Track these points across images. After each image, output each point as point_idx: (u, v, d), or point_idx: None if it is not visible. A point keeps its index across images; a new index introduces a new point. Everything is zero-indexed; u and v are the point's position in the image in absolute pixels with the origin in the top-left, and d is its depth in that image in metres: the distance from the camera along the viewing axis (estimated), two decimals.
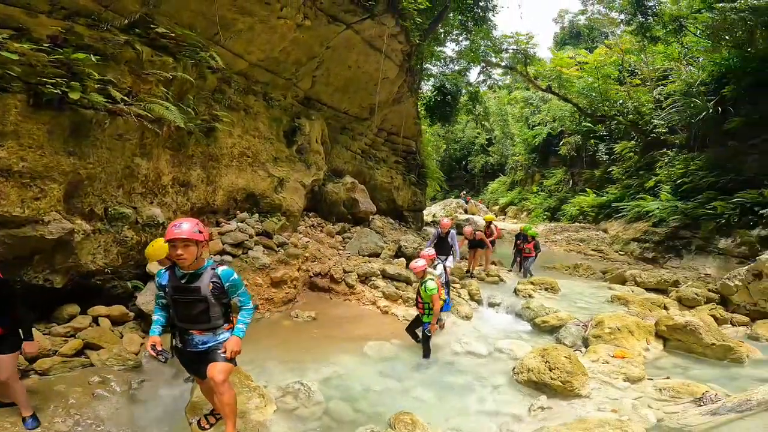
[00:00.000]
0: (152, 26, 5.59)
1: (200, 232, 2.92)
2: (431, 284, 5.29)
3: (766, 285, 7.08)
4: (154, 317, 3.12)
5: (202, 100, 6.80)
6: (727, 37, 12.52)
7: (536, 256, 10.62)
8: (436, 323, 5.45)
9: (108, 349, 4.35)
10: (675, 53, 18.12)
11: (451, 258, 8.21)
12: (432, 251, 6.48)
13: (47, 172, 4.22)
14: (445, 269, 6.84)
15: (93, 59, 4.41)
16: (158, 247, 3.94)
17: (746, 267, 7.82)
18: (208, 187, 7.12)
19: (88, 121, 4.56)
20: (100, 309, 4.83)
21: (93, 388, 3.78)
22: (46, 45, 4.32)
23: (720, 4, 11.13)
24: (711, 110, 14.43)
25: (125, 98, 4.84)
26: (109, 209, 5.08)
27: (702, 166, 14.92)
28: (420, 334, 5.67)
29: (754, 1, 9.80)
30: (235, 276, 3.05)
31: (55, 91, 4.03)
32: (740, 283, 7.64)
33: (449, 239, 8.30)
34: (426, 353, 5.48)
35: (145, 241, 5.25)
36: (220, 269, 3.02)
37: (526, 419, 4.10)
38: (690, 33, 16.12)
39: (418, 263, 5.54)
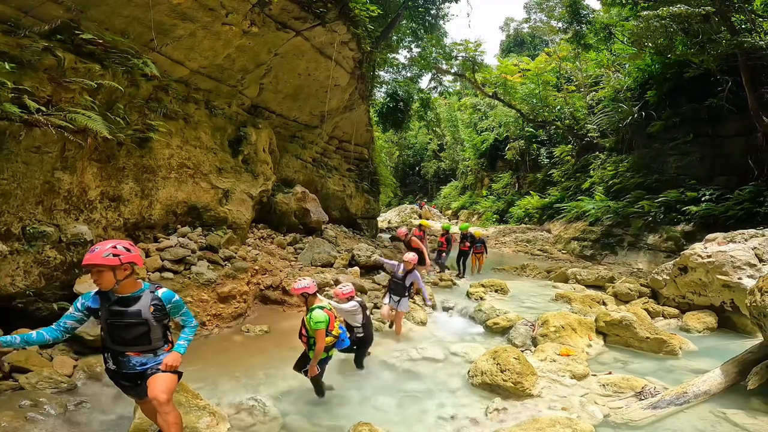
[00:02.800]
0: (77, 32, 5.23)
1: (116, 255, 2.80)
2: (318, 314, 4.18)
3: (691, 278, 7.44)
4: (44, 329, 2.88)
5: (134, 109, 6.40)
6: (649, 44, 13.25)
7: (449, 250, 11.43)
8: (316, 364, 4.30)
9: (37, 372, 4.25)
10: (605, 60, 19.46)
11: (406, 300, 6.69)
12: (350, 288, 5.32)
13: None
14: (362, 306, 5.33)
15: (7, 67, 4.14)
16: None
17: (672, 261, 8.20)
18: (143, 201, 6.70)
19: (2, 133, 4.24)
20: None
21: (25, 411, 3.64)
22: None
23: (644, 12, 11.75)
24: (636, 114, 15.64)
25: (42, 108, 4.48)
26: (27, 228, 4.71)
27: (630, 168, 16.17)
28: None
29: (674, 9, 10.39)
30: (177, 297, 3.10)
31: None
32: (668, 277, 8.07)
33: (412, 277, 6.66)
34: (318, 392, 4.48)
35: (70, 260, 4.85)
36: (160, 292, 3.04)
37: (483, 422, 4.17)
38: (618, 40, 17.21)
39: (297, 284, 4.43)
